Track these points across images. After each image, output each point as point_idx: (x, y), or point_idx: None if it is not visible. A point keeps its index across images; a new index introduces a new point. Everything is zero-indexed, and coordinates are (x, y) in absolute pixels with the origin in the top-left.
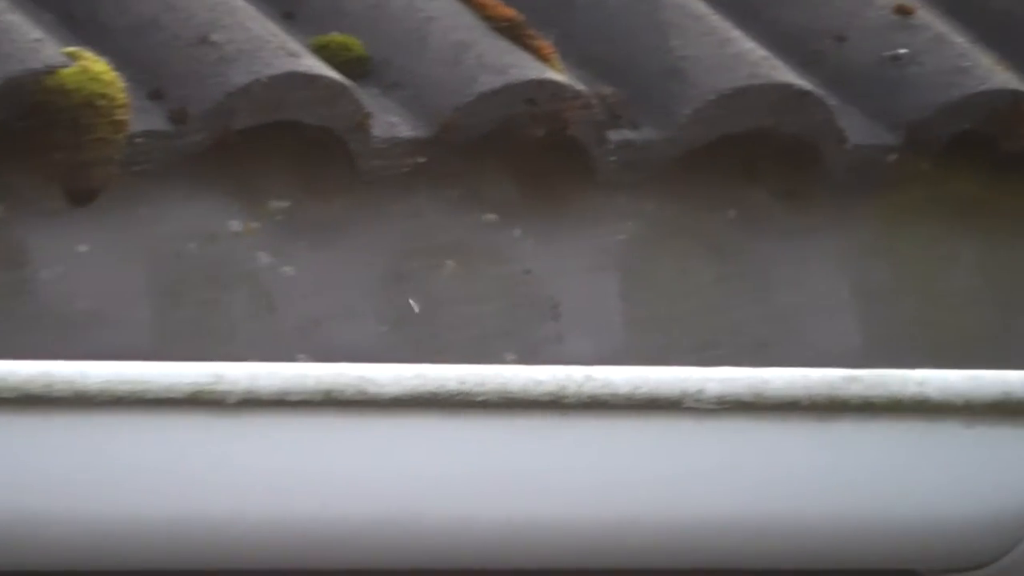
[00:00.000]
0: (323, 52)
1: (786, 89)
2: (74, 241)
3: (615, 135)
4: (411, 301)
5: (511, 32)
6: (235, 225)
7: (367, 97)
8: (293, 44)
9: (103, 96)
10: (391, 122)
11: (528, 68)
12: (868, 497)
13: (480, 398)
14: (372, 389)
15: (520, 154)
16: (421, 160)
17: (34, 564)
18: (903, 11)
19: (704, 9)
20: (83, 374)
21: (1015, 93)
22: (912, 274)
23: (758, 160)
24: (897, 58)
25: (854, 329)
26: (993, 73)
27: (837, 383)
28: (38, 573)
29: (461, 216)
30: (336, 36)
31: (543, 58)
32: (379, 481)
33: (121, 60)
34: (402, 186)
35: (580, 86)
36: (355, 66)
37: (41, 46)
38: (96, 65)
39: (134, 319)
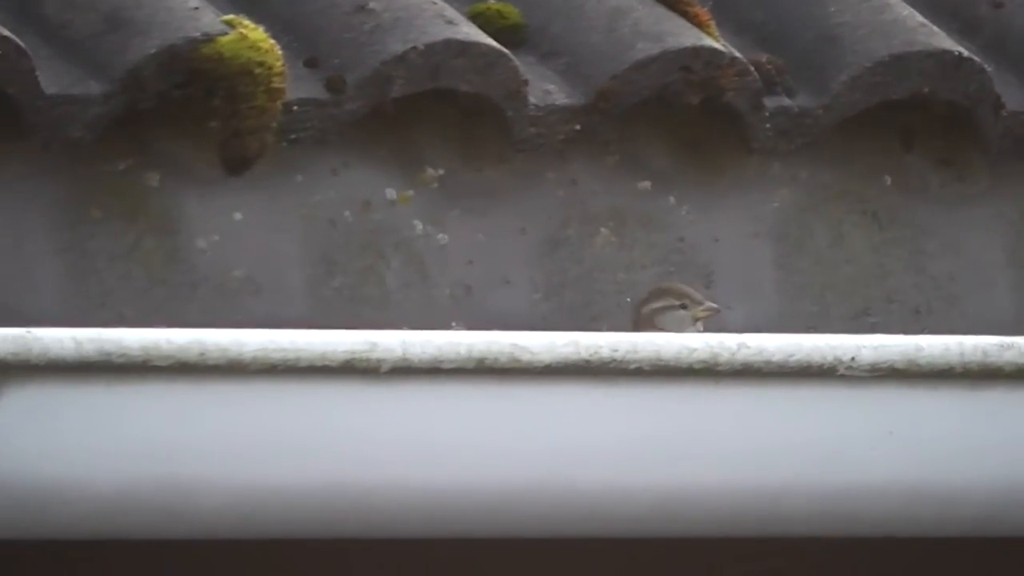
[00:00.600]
0: (479, 19)
1: (943, 55)
2: (230, 209)
3: (771, 102)
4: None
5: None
6: (390, 193)
7: (523, 65)
8: (450, 11)
9: (260, 64)
10: (547, 90)
11: (684, 35)
12: (1021, 465)
13: (633, 366)
14: (525, 357)
15: (675, 121)
16: (576, 128)
17: (188, 532)
18: None
19: None
20: (237, 342)
21: None
22: None
23: (914, 127)
24: None
25: (1010, 297)
26: None
27: (990, 350)
28: (193, 541)
29: (616, 184)
30: (492, 4)
31: (699, 25)
32: (532, 449)
33: (278, 28)
34: (557, 154)
35: (736, 53)
36: (511, 34)
37: (199, 14)
38: (253, 33)
39: (289, 287)
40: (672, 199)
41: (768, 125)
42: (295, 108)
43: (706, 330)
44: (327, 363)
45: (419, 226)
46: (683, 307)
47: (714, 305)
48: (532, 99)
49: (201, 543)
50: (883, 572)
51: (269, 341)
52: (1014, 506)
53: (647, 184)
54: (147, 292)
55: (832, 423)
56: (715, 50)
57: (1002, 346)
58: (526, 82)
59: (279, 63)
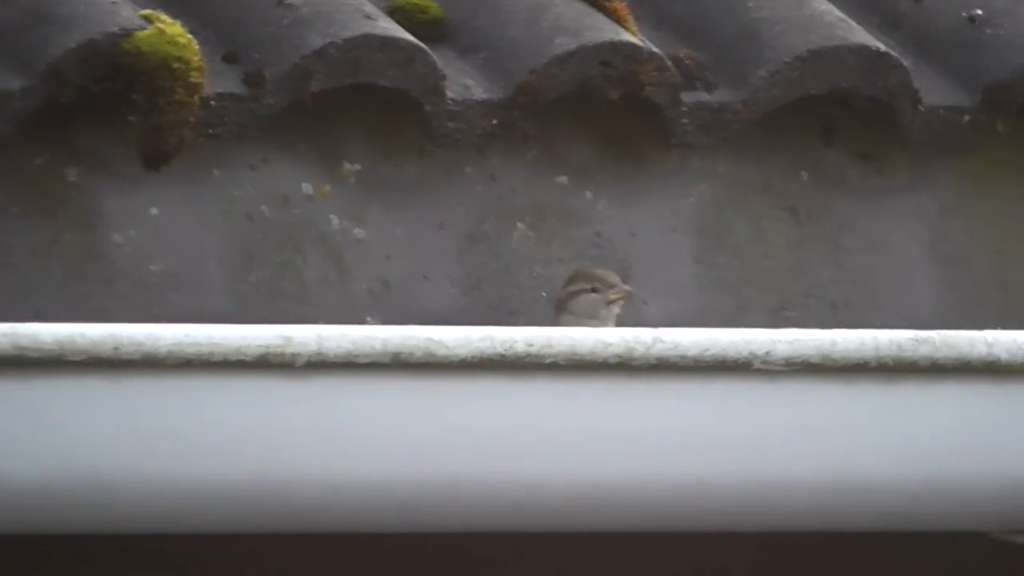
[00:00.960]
0: (399, 14)
1: (862, 50)
2: (148, 204)
3: (690, 97)
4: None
5: None
6: (308, 188)
7: (442, 59)
8: (369, 6)
9: (178, 59)
10: (466, 84)
11: (603, 30)
12: (936, 458)
13: (548, 360)
14: (440, 351)
15: (595, 116)
16: (495, 122)
17: (105, 527)
18: None
19: None
20: (152, 336)
21: None
22: (987, 236)
23: (834, 122)
24: (974, 19)
25: (928, 291)
26: None
27: (905, 345)
28: (110, 536)
29: (534, 178)
30: None
31: (618, 20)
32: (448, 443)
33: (197, 23)
34: (476, 149)
35: (655, 48)
36: (431, 28)
37: (118, 9)
38: (172, 28)
39: (207, 282)
40: (590, 194)
41: (687, 120)
42: (213, 103)
43: (625, 324)
44: (242, 358)
45: (336, 221)
46: (594, 290)
47: (626, 288)
48: (451, 94)
49: (118, 538)
50: (814, 564)
51: (184, 336)
52: (930, 500)
53: (565, 179)
54: (65, 287)
55: (748, 418)
56: (634, 45)
57: (917, 340)
58: (445, 77)
59: (197, 58)
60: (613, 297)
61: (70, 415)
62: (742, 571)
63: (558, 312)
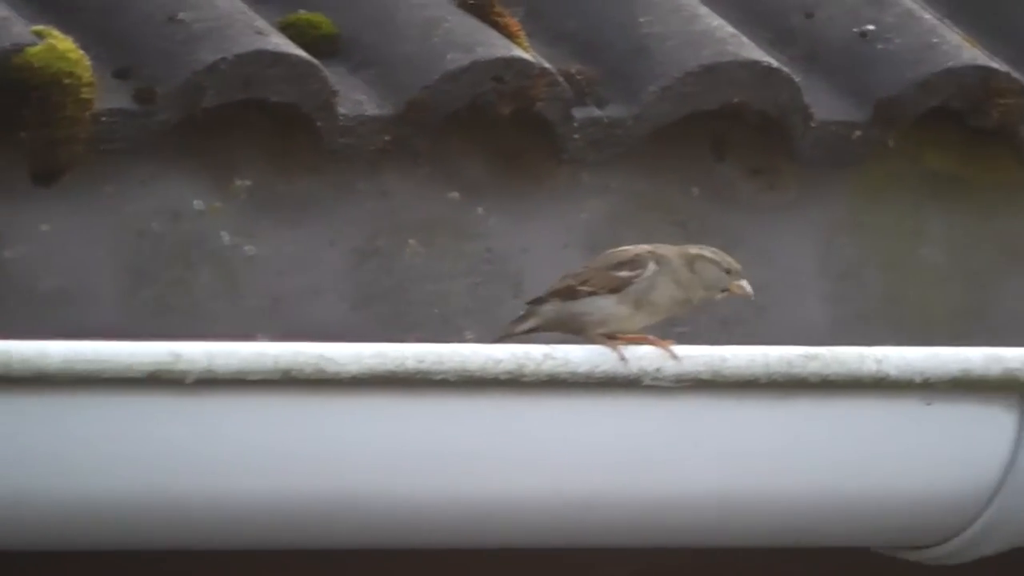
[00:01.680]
0: (291, 30)
1: (753, 66)
2: (38, 220)
3: (582, 113)
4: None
5: (479, 10)
6: (199, 204)
7: (335, 75)
8: (261, 22)
9: (70, 75)
10: (358, 100)
11: (495, 46)
12: (826, 474)
13: (439, 376)
14: (331, 368)
15: (487, 132)
16: (387, 138)
17: None
18: None
19: None
20: (41, 353)
21: (983, 69)
22: (879, 250)
23: (725, 137)
24: (865, 34)
25: (819, 306)
26: (961, 50)
27: (795, 361)
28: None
29: (426, 194)
30: (304, 14)
31: (510, 35)
32: (339, 459)
33: (88, 38)
34: (368, 164)
35: (547, 64)
36: (323, 44)
37: (9, 24)
38: (63, 43)
39: (98, 298)
40: (482, 209)
41: (579, 135)
42: (105, 119)
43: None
44: (132, 375)
45: (227, 237)
46: (728, 272)
47: (749, 290)
48: (343, 109)
49: (9, 554)
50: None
51: (74, 352)
52: (819, 516)
53: (457, 195)
54: None
55: (638, 433)
56: (526, 61)
57: (807, 356)
58: (337, 92)
59: (88, 74)
60: (734, 287)
61: None
62: None
63: (672, 263)
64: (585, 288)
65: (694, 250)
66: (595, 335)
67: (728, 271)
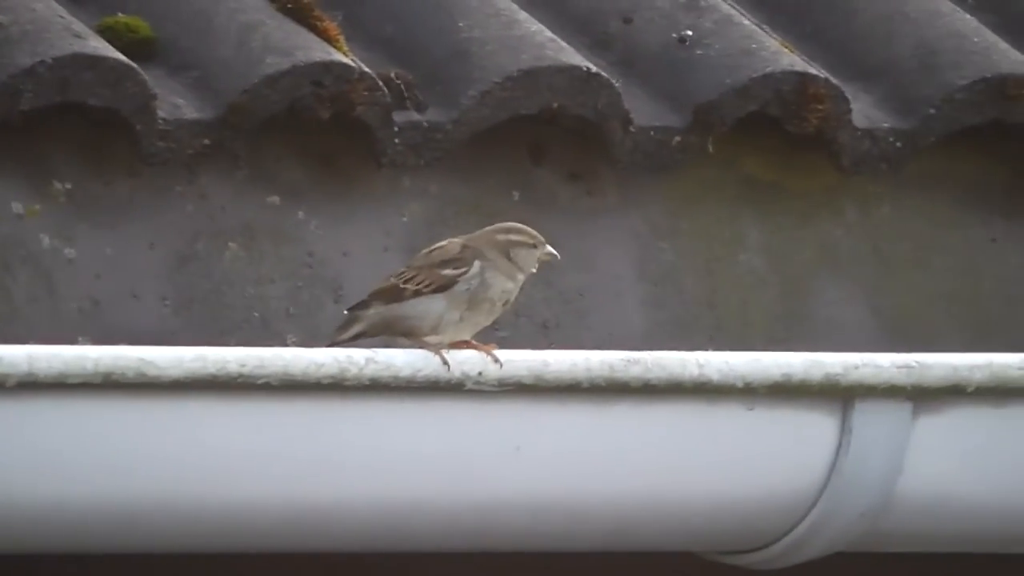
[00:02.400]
0: (109, 33)
1: (571, 71)
2: None
3: (401, 117)
4: None
5: (298, 14)
6: (18, 207)
7: (153, 79)
8: (78, 25)
9: None
10: (176, 104)
11: (314, 50)
12: (648, 479)
13: (261, 380)
14: (152, 371)
15: (306, 136)
16: (206, 142)
17: None
18: None
19: None
20: None
21: (801, 75)
22: (697, 256)
23: (544, 142)
24: (684, 40)
25: (639, 311)
26: (779, 56)
27: (617, 366)
28: None
29: (246, 198)
30: (122, 17)
31: (329, 39)
32: (159, 463)
33: None
34: (187, 168)
35: (366, 68)
36: (141, 48)
37: None
38: None
39: None
40: (302, 213)
41: (398, 140)
42: None
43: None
44: None
45: (47, 240)
46: (534, 247)
47: (553, 251)
48: (162, 113)
49: None
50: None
51: None
52: (643, 521)
53: (277, 199)
54: None
55: (460, 438)
56: (345, 65)
57: (628, 361)
58: (155, 96)
59: None
60: (545, 257)
61: None
62: None
63: (489, 255)
64: (410, 287)
65: (502, 236)
66: (421, 339)
67: (534, 245)
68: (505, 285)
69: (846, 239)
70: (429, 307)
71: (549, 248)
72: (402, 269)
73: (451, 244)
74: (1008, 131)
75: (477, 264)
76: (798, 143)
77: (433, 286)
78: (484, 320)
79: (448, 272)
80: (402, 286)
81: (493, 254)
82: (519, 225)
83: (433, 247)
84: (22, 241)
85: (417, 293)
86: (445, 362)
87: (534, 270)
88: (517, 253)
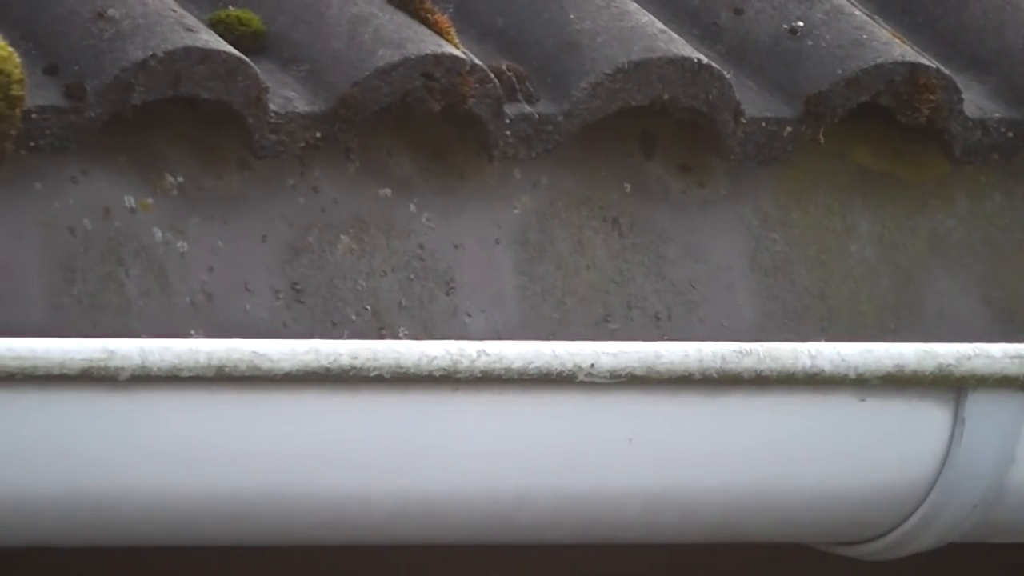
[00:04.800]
0: (219, 27)
1: (682, 62)
2: None
3: (512, 109)
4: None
5: (409, 6)
6: (130, 201)
7: (264, 72)
8: (190, 19)
9: None
10: (288, 97)
11: (425, 42)
12: (760, 470)
13: (373, 373)
14: (265, 364)
15: (417, 129)
16: (317, 135)
17: None
18: None
19: None
20: None
21: (912, 66)
22: (808, 247)
23: (655, 134)
24: (795, 31)
25: (750, 302)
26: (890, 46)
27: (729, 357)
28: None
29: (357, 191)
30: (233, 11)
31: (440, 32)
32: (272, 456)
33: (17, 35)
34: (298, 161)
35: (477, 60)
36: (252, 41)
37: None
38: None
39: (27, 295)
40: (413, 206)
41: (509, 132)
42: (34, 116)
43: (449, 337)
44: (65, 371)
45: (159, 233)
46: None
47: None
48: (273, 106)
49: None
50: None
51: (6, 349)
52: (754, 512)
53: (388, 191)
54: None
55: (572, 430)
56: (456, 57)
57: (741, 352)
58: (267, 89)
59: (18, 70)
60: None
61: None
62: None
63: None
64: None
65: None
66: None
67: None
68: None
69: (958, 229)
70: None
71: None
72: None
73: None
74: None
75: None
76: (909, 133)
77: None
78: None
79: None
80: None
81: None
82: None
83: None
84: (135, 235)
85: None
86: None
87: None
88: None
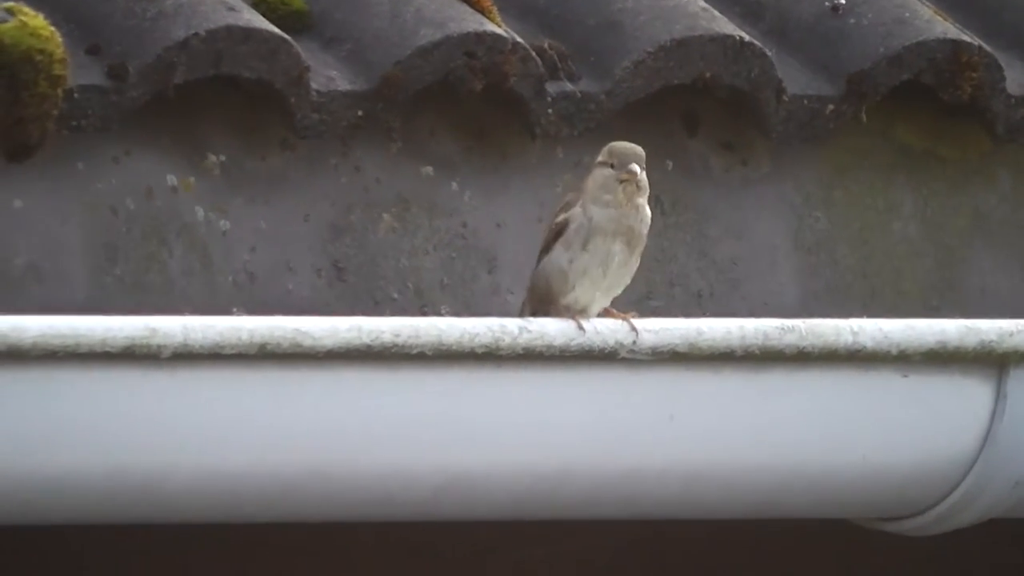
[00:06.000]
0: (262, 6)
1: (724, 40)
2: (11, 196)
3: (554, 88)
4: None
5: None
6: (172, 180)
7: (306, 51)
8: None
9: (41, 51)
10: (330, 76)
11: (467, 21)
12: (802, 446)
13: (415, 350)
14: (307, 342)
15: (459, 107)
16: (360, 114)
17: None
18: None
19: None
20: (16, 328)
21: (954, 43)
22: (851, 224)
23: (697, 112)
24: (836, 8)
25: (792, 280)
26: (932, 24)
27: (771, 333)
28: None
29: (399, 170)
30: None
31: (482, 11)
32: (315, 432)
33: (59, 15)
34: (340, 140)
35: (519, 39)
36: (294, 20)
37: None
38: (34, 20)
39: (71, 274)
40: (455, 185)
41: (551, 111)
42: (77, 95)
43: (491, 314)
44: (108, 349)
45: (201, 213)
46: (611, 166)
47: (634, 169)
48: (315, 85)
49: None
50: (670, 552)
51: (49, 327)
52: (796, 488)
53: (430, 170)
54: None
55: (614, 406)
56: (498, 36)
57: (783, 329)
58: (309, 68)
59: (60, 50)
60: (624, 176)
61: None
62: (607, 557)
63: (588, 189)
64: (540, 248)
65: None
66: (558, 305)
67: (610, 164)
68: (610, 214)
69: (1000, 207)
70: (552, 262)
71: (631, 167)
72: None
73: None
74: None
75: (579, 202)
76: (952, 111)
77: (550, 239)
78: (617, 272)
79: (559, 219)
80: (541, 253)
81: (589, 187)
82: (613, 143)
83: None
84: (178, 214)
85: (545, 252)
86: (580, 327)
87: (621, 192)
88: (595, 178)
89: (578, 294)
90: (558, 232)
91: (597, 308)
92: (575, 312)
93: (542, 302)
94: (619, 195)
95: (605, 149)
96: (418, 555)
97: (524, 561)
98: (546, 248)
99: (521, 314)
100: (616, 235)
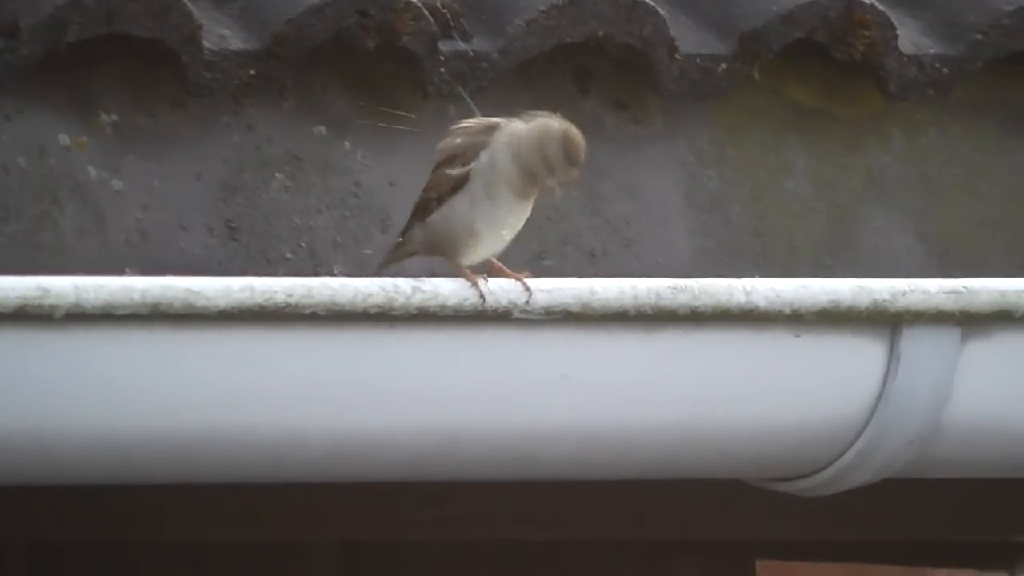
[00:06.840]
0: None
1: None
2: None
3: (447, 46)
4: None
5: None
6: (65, 139)
7: (198, 9)
8: None
9: None
10: (222, 35)
11: None
12: (695, 407)
13: (308, 310)
14: (200, 302)
15: (352, 66)
16: (252, 73)
17: None
18: None
19: None
20: None
21: (847, 1)
22: (744, 183)
23: (590, 71)
24: None
25: (685, 239)
26: None
27: (664, 293)
28: None
29: (292, 129)
30: None
31: None
32: (207, 393)
33: None
34: (233, 99)
35: None
36: None
37: None
38: None
39: None
40: (348, 143)
41: (444, 69)
42: None
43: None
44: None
45: (94, 172)
46: (555, 155)
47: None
48: (207, 44)
49: None
50: (577, 509)
51: None
52: (690, 448)
53: (323, 129)
54: None
55: (508, 366)
56: None
57: (675, 289)
58: (201, 27)
59: None
60: (562, 180)
61: None
62: (504, 516)
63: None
64: (432, 195)
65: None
66: (457, 263)
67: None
68: (521, 179)
69: (893, 166)
70: (456, 214)
71: (573, 174)
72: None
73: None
74: None
75: (486, 151)
76: (844, 70)
77: (447, 191)
78: (515, 225)
79: (456, 172)
80: (430, 199)
81: (527, 142)
82: (576, 136)
83: (455, 126)
84: (70, 173)
85: (439, 202)
86: (481, 295)
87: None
88: (526, 147)
89: (480, 248)
90: (458, 183)
91: (491, 257)
92: (474, 272)
93: (436, 252)
94: (545, 183)
95: (560, 133)
96: (313, 515)
97: (420, 522)
98: (440, 199)
99: (387, 260)
100: (518, 194)
